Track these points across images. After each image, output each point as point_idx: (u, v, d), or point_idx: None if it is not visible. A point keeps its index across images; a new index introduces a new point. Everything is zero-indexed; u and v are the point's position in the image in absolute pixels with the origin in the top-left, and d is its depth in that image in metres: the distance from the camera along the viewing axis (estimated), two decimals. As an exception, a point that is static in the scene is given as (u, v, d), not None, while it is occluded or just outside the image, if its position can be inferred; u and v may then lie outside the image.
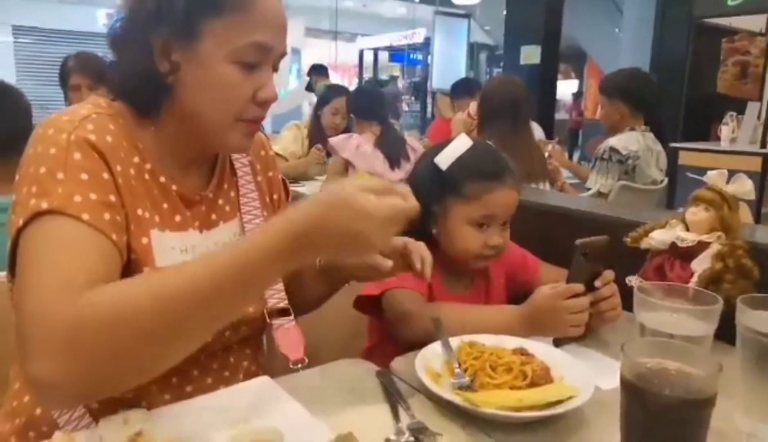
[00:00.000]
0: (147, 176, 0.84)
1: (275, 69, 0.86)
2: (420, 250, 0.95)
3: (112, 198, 0.76)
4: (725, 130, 4.43)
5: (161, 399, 0.83)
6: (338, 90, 3.46)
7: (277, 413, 0.75)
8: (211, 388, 0.86)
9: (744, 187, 1.03)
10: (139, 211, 0.81)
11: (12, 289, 0.73)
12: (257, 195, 1.00)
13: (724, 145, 4.36)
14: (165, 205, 0.85)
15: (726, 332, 0.82)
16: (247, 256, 0.66)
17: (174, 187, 0.86)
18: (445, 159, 1.15)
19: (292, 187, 3.18)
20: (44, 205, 0.70)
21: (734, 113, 4.55)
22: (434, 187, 1.17)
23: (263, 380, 0.83)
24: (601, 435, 0.77)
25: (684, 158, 4.24)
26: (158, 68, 0.80)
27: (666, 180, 2.79)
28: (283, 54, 0.86)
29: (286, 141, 3.39)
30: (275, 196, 1.07)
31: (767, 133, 4.15)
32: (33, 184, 0.72)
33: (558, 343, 1.02)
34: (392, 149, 2.53)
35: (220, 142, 0.85)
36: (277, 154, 3.37)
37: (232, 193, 0.98)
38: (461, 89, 3.87)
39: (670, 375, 0.62)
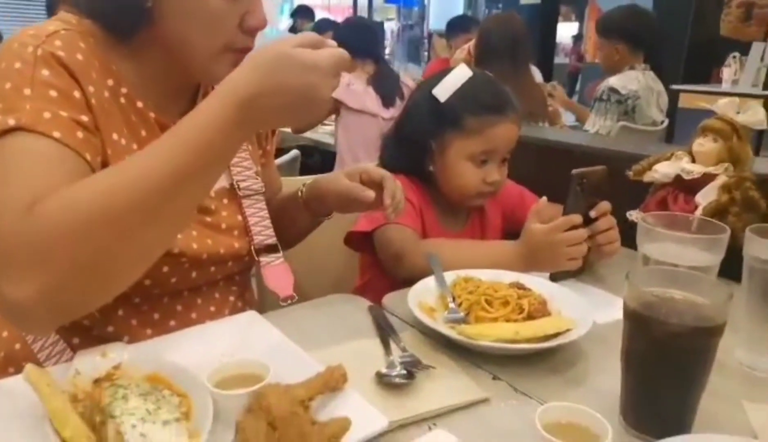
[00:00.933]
0: (123, 100, 0.78)
1: None
2: (394, 188, 0.92)
3: (85, 118, 0.71)
4: (727, 72, 4.32)
5: (143, 334, 0.80)
6: (327, 24, 3.32)
7: (265, 347, 0.71)
8: (195, 323, 0.83)
9: (756, 115, 0.98)
10: (115, 136, 0.76)
11: None
12: None
13: (725, 87, 4.25)
14: (143, 133, 0.80)
15: (729, 268, 0.78)
16: (203, 134, 0.61)
17: (152, 115, 0.81)
18: (443, 90, 1.09)
19: (283, 130, 3.09)
20: (11, 122, 0.65)
21: (738, 54, 4.43)
22: (432, 121, 1.11)
23: (250, 315, 0.79)
24: (598, 368, 0.74)
25: (684, 100, 4.14)
26: None
27: (666, 121, 2.73)
28: None
29: None
30: (259, 131, 1.02)
31: (770, 75, 4.05)
32: None
33: (555, 278, 0.99)
34: (386, 87, 2.44)
35: (205, 72, 0.80)
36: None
37: None
38: (457, 27, 3.72)
39: (677, 304, 0.59)
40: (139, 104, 0.79)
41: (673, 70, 5.30)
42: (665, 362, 0.58)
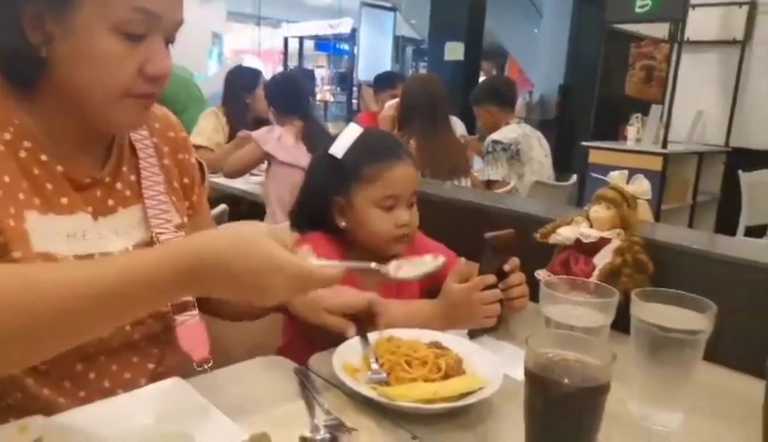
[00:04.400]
0: (23, 154, 0.77)
1: (170, 41, 0.80)
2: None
3: None
4: (631, 131, 4.73)
5: (56, 404, 0.78)
6: (250, 72, 3.40)
7: (189, 415, 0.72)
8: (109, 393, 0.81)
9: (641, 187, 1.11)
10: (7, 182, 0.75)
11: None
12: (163, 178, 0.94)
13: (629, 144, 4.65)
14: (49, 186, 0.79)
15: (624, 323, 0.88)
16: (136, 274, 0.63)
17: (60, 168, 0.80)
18: (339, 148, 1.17)
19: (213, 179, 3.07)
20: None
21: (639, 115, 4.86)
22: (334, 178, 1.18)
23: (174, 381, 0.80)
24: (509, 422, 0.81)
25: (593, 156, 4.48)
26: (29, 39, 0.73)
27: (575, 177, 2.97)
28: (178, 22, 0.79)
29: (208, 131, 3.25)
30: (186, 181, 1.01)
31: (668, 134, 4.46)
32: None
33: (473, 335, 1.06)
34: (314, 142, 2.51)
35: (107, 119, 0.80)
36: (201, 147, 3.23)
37: (133, 177, 0.91)
38: (384, 82, 3.90)
39: (569, 365, 0.66)
40: (44, 158, 0.79)
41: (584, 127, 5.73)
42: (560, 419, 0.64)
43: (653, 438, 0.79)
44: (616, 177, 1.12)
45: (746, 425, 0.75)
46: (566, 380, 0.63)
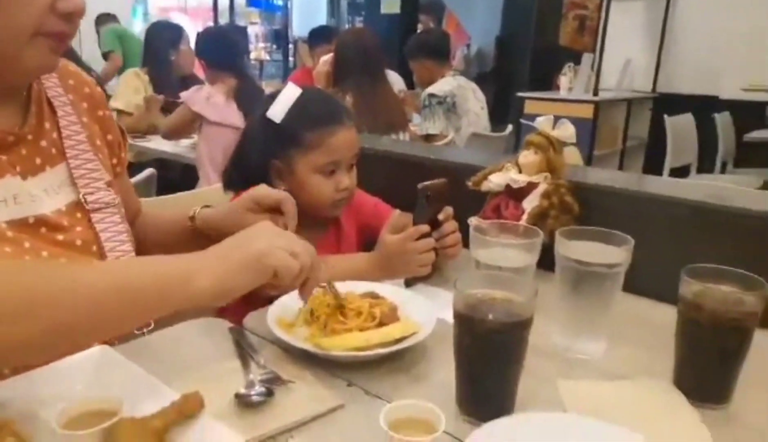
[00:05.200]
0: None
1: None
2: (294, 212, 0.95)
3: None
4: (564, 80, 4.82)
5: None
6: (178, 30, 3.24)
7: (117, 381, 0.71)
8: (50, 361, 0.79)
9: (566, 131, 1.14)
10: None
11: None
12: (85, 136, 0.92)
13: (562, 93, 4.75)
14: None
15: (552, 262, 0.91)
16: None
17: None
18: (277, 112, 1.14)
19: (140, 143, 2.96)
20: None
21: (572, 64, 4.96)
22: (273, 142, 1.15)
23: (101, 349, 0.78)
24: (442, 362, 0.83)
25: (529, 107, 4.56)
26: None
27: (510, 127, 3.02)
28: None
29: (127, 93, 3.08)
30: (110, 137, 0.99)
31: (599, 83, 4.58)
32: None
33: (409, 284, 1.08)
34: (248, 101, 2.43)
35: (15, 64, 0.76)
36: (120, 111, 3.07)
37: (55, 135, 0.89)
38: (319, 36, 3.79)
39: (495, 303, 0.68)
40: None
41: (521, 79, 5.80)
42: (486, 354, 0.67)
43: (576, 367, 0.84)
44: (542, 122, 1.14)
45: (662, 350, 0.80)
46: (491, 317, 0.65)
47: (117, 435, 0.56)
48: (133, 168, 2.10)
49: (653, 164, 4.61)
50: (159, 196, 1.58)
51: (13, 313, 0.59)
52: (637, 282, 0.94)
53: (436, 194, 1.07)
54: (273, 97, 1.18)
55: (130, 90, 3.07)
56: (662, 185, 1.27)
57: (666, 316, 0.81)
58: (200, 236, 1.02)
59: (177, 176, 2.84)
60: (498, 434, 0.63)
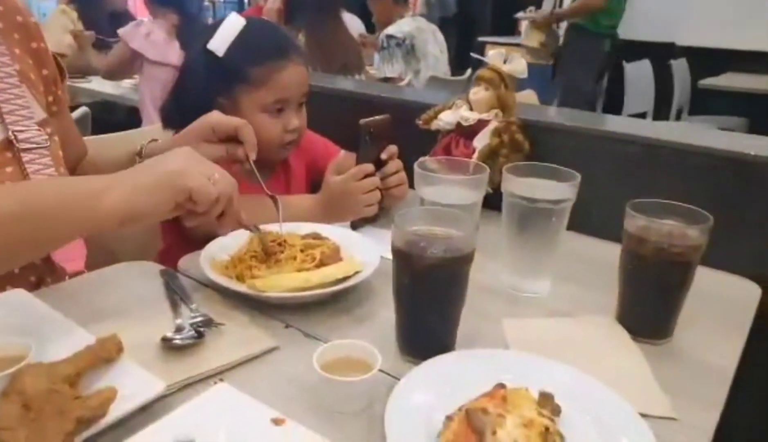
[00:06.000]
0: None
1: None
2: (253, 139, 0.88)
3: None
4: (525, 25, 4.75)
5: None
6: None
7: (31, 325, 0.65)
8: None
9: (519, 66, 1.09)
10: None
11: None
12: (15, 70, 0.84)
13: (523, 38, 4.68)
14: None
15: (499, 202, 0.88)
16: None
17: None
18: (219, 44, 1.04)
19: (80, 85, 2.78)
20: None
21: (533, 8, 4.87)
22: (215, 78, 1.06)
23: (17, 293, 0.72)
24: (385, 303, 0.80)
25: (490, 51, 4.49)
26: None
27: (470, 71, 2.96)
28: None
29: (56, 32, 2.84)
30: (45, 72, 0.91)
31: (559, 27, 4.52)
32: None
33: (355, 226, 1.04)
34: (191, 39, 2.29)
35: None
36: (54, 55, 2.86)
37: None
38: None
39: (435, 239, 0.65)
40: None
41: (483, 24, 5.70)
42: (425, 292, 0.64)
43: (521, 305, 0.82)
44: (493, 57, 1.09)
45: (607, 288, 0.79)
46: (429, 252, 0.62)
47: (22, 382, 0.51)
48: (72, 111, 1.97)
49: (611, 111, 4.62)
50: (99, 135, 1.48)
51: None
52: (586, 221, 0.93)
53: (379, 131, 1.02)
54: (215, 27, 1.08)
55: (59, 28, 2.84)
56: (615, 123, 1.25)
57: (612, 254, 0.80)
58: None
59: (121, 119, 2.70)
60: (435, 372, 0.61)
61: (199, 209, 0.69)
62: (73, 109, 2.07)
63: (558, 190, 0.80)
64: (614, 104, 4.31)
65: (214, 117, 0.89)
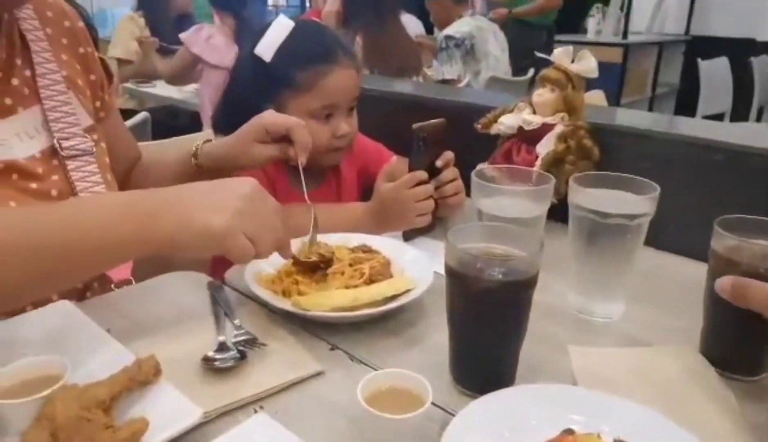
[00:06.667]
0: None
1: None
2: (306, 140, 0.86)
3: None
4: (591, 22, 4.57)
5: None
6: None
7: (72, 342, 0.64)
8: None
9: (588, 64, 1.01)
10: None
11: None
12: (62, 76, 0.84)
13: (589, 36, 4.51)
14: None
15: (566, 214, 0.81)
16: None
17: None
18: (266, 48, 1.01)
19: (145, 89, 2.85)
20: None
21: (600, 5, 4.68)
22: (262, 83, 1.03)
23: (61, 305, 0.71)
24: (439, 325, 0.74)
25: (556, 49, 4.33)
26: None
27: (532, 70, 2.85)
28: None
29: (124, 39, 2.94)
30: (93, 78, 0.91)
31: (628, 25, 4.32)
32: None
33: (407, 237, 0.99)
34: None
35: None
36: (122, 61, 2.95)
37: (29, 73, 0.81)
38: (330, -24, 3.59)
39: (493, 259, 0.59)
40: None
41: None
42: (481, 317, 0.58)
43: (590, 331, 0.75)
44: (559, 55, 1.01)
45: (688, 312, 0.70)
46: (487, 275, 0.55)
47: (53, 407, 0.49)
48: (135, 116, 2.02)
49: (685, 112, 4.37)
50: (153, 141, 1.50)
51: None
52: (663, 236, 0.83)
53: (433, 136, 0.96)
54: (263, 31, 1.06)
55: (127, 36, 2.93)
56: (693, 127, 1.14)
57: (694, 273, 0.71)
58: (204, 175, 0.93)
59: (185, 123, 2.75)
60: (493, 409, 0.54)
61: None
62: (134, 113, 2.12)
63: (633, 203, 0.71)
64: (688, 104, 4.07)
65: (268, 117, 0.88)
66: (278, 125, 0.86)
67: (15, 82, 0.79)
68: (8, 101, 0.78)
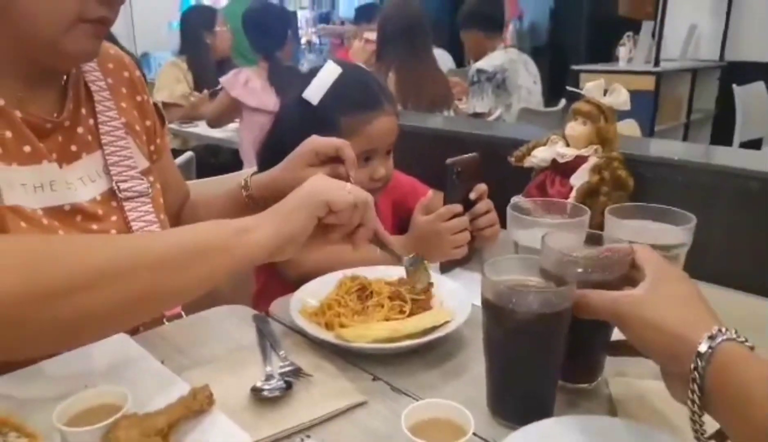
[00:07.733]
0: None
1: None
2: (354, 158, 0.91)
3: None
4: (622, 51, 4.55)
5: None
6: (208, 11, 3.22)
7: (130, 373, 0.68)
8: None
9: (619, 97, 1.03)
10: None
11: None
12: (122, 123, 0.90)
13: (621, 65, 4.49)
14: (8, 134, 0.74)
15: (602, 244, 0.82)
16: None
17: (18, 114, 0.75)
18: (314, 93, 1.06)
19: (188, 129, 2.96)
20: None
21: (631, 33, 4.67)
22: (308, 126, 1.07)
23: (118, 338, 0.75)
24: (477, 356, 0.76)
25: (585, 80, 4.31)
26: None
27: (563, 101, 2.85)
28: None
29: (169, 84, 3.08)
30: (148, 123, 0.97)
31: (660, 52, 4.29)
32: None
33: (444, 269, 1.01)
34: (279, 84, 2.35)
35: (58, 50, 0.74)
36: (167, 104, 3.08)
37: (92, 121, 0.87)
38: (363, 15, 3.71)
39: (528, 291, 0.60)
40: (1, 102, 0.74)
41: (577, 52, 5.54)
42: (518, 349, 0.59)
43: (631, 362, 0.74)
44: (591, 88, 1.03)
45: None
46: (523, 307, 0.57)
47: (116, 435, 0.52)
48: (181, 155, 2.10)
49: (721, 139, 4.30)
50: (201, 179, 1.56)
51: (97, 279, 0.57)
52: (699, 266, 0.83)
53: (467, 170, 0.99)
54: (312, 74, 1.11)
55: (171, 80, 3.07)
56: (730, 157, 1.14)
57: (733, 305, 0.71)
58: (256, 205, 0.96)
59: (226, 160, 2.84)
60: (535, 440, 0.55)
61: (341, 218, 0.71)
62: (182, 152, 2.21)
63: (670, 234, 0.72)
64: (724, 130, 4.00)
65: (316, 140, 0.93)
66: (328, 146, 0.91)
67: (80, 130, 0.85)
68: (74, 148, 0.83)
